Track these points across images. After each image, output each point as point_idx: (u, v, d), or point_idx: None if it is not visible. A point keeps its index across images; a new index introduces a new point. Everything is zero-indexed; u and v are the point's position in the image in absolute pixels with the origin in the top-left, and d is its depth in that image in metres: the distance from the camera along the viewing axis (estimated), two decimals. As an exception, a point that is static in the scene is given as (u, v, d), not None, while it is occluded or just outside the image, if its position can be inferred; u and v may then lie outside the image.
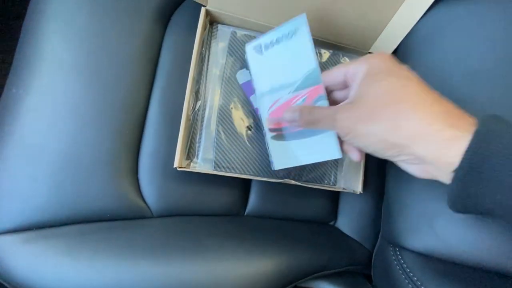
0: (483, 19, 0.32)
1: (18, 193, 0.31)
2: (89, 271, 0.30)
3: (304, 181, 0.37)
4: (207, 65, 0.36)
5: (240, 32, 0.36)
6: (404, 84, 0.22)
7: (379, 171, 0.42)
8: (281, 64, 0.29)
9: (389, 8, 0.34)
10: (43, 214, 0.31)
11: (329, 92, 0.28)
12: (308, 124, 0.26)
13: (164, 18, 0.38)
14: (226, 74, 0.36)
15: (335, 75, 0.26)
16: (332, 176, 0.39)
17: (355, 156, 0.28)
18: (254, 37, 0.36)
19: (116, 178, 0.33)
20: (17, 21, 0.69)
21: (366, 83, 0.23)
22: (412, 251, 0.30)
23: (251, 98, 0.35)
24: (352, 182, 0.38)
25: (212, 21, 0.37)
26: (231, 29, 0.37)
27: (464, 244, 0.28)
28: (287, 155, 0.31)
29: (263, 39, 0.30)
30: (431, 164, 0.21)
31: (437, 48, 0.33)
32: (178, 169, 0.31)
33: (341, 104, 0.25)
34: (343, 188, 0.39)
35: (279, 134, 0.31)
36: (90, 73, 0.34)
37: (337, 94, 0.29)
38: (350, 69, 0.25)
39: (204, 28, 0.34)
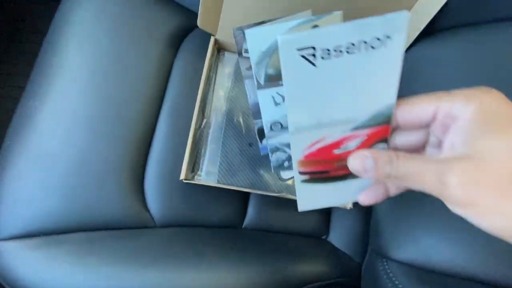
0: (453, 58, 0.37)
1: (28, 200, 0.32)
2: (94, 278, 0.31)
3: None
4: (214, 86, 0.39)
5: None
6: None
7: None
8: (346, 88, 0.18)
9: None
10: (51, 221, 0.32)
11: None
12: (387, 178, 0.18)
13: (175, 43, 0.41)
14: (231, 96, 0.39)
15: (418, 112, 0.18)
16: (325, 193, 0.42)
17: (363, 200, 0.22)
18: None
19: (124, 188, 0.35)
20: (34, 36, 0.72)
21: (488, 133, 0.16)
22: (398, 261, 0.33)
23: (260, 121, 0.31)
24: (343, 199, 0.41)
25: (220, 48, 0.40)
26: (237, 56, 0.41)
27: (440, 255, 0.31)
28: (317, 197, 0.24)
29: (322, 38, 0.16)
30: None
31: (414, 82, 0.38)
32: (184, 181, 0.34)
33: (447, 159, 0.17)
34: (335, 204, 0.42)
35: (314, 177, 0.22)
36: (104, 89, 0.36)
37: (402, 136, 0.20)
38: (445, 107, 0.17)
39: (212, 54, 0.38)
